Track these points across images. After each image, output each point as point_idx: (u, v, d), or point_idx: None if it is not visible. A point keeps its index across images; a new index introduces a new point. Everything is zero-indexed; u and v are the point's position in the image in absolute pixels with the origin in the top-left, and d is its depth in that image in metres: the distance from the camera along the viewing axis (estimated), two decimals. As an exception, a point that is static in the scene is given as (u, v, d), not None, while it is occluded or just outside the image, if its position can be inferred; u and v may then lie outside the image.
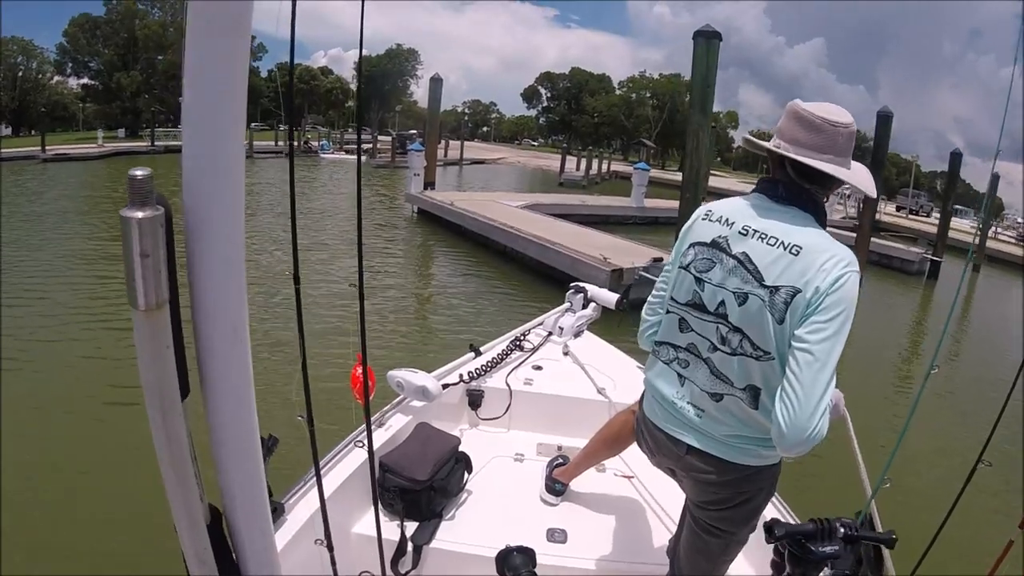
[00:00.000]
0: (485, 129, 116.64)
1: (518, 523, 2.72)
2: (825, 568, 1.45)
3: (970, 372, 11.05)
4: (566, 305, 4.35)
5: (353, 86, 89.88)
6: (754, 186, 1.95)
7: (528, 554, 1.87)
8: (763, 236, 1.76)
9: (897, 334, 13.61)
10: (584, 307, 4.29)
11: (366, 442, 1.94)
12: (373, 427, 2.63)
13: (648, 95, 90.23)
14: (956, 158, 23.88)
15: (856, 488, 2.53)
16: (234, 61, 1.00)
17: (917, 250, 21.52)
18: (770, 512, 2.46)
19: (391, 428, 2.95)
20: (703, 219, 1.95)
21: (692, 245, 1.93)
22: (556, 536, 2.66)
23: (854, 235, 25.59)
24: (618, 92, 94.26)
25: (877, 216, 34.63)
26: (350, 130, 71.21)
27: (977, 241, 18.36)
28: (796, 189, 1.81)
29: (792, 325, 1.68)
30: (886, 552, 2.17)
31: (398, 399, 3.21)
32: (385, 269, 13.24)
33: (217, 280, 1.06)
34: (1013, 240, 36.50)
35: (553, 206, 21.52)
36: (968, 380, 10.38)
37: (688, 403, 1.93)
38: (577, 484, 3.00)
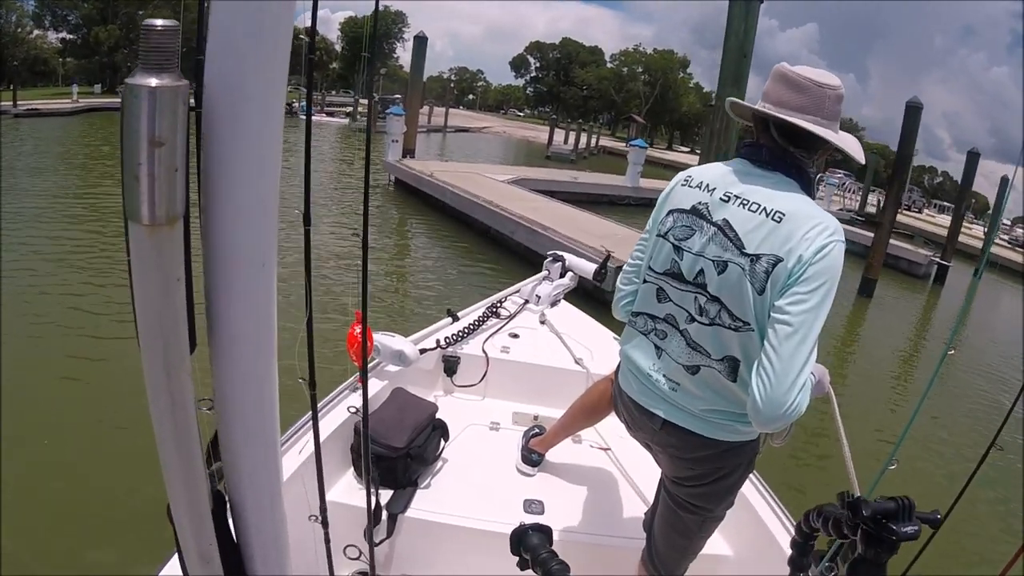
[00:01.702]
0: (471, 97, 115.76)
1: (494, 493, 2.70)
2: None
3: (973, 371, 11.02)
4: (543, 273, 4.38)
5: (338, 47, 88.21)
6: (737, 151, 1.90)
7: (546, 533, 1.66)
8: (744, 202, 1.72)
9: (902, 337, 13.41)
10: (562, 276, 4.34)
11: (357, 408, 2.01)
12: (346, 391, 2.72)
13: (640, 70, 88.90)
14: (974, 158, 22.31)
15: (839, 469, 2.33)
16: None
17: (926, 252, 20.61)
18: (750, 493, 2.51)
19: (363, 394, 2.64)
20: (683, 185, 1.90)
21: (671, 212, 1.88)
22: (533, 507, 2.64)
23: (853, 228, 24.90)
24: (609, 65, 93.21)
25: (872, 209, 34.09)
26: (334, 92, 70.08)
27: (979, 246, 17.71)
28: (780, 153, 1.77)
29: (772, 295, 1.63)
30: None
31: (373, 363, 3.10)
32: (357, 237, 11.73)
33: (246, 193, 0.79)
34: (1007, 243, 35.46)
35: (541, 182, 20.13)
36: (970, 378, 10.54)
37: (663, 376, 1.89)
38: (553, 455, 2.98)
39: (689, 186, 1.87)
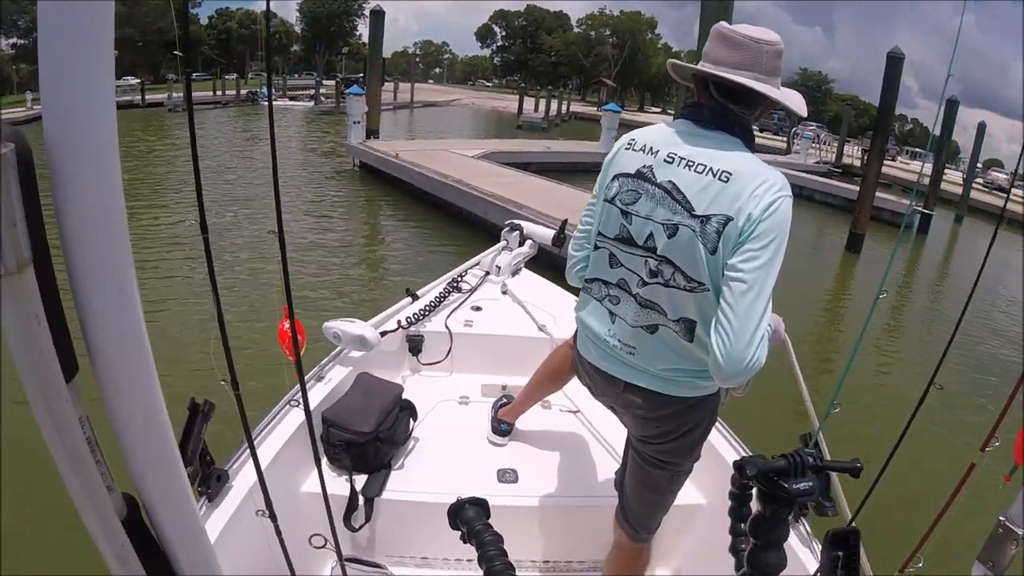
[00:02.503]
0: (438, 71, 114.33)
1: (467, 467, 2.73)
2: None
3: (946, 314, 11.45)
4: (502, 243, 4.38)
5: (298, 28, 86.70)
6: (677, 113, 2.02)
7: (481, 505, 1.69)
8: (690, 163, 1.72)
9: (891, 291, 12.48)
10: (520, 244, 4.33)
11: (298, 401, 2.04)
12: (312, 382, 2.77)
13: (608, 33, 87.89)
14: (952, 106, 21.72)
15: (802, 415, 2.46)
16: None
17: (907, 202, 20.39)
18: (718, 442, 2.58)
19: (331, 381, 2.85)
20: (626, 148, 1.90)
21: (616, 177, 1.88)
22: (507, 476, 2.67)
23: (831, 181, 24.52)
24: (576, 30, 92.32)
25: (848, 160, 33.82)
26: (296, 76, 68.97)
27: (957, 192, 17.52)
28: (722, 112, 1.76)
29: (725, 254, 1.64)
30: (835, 478, 2.13)
31: (336, 351, 3.07)
32: (322, 226, 12.06)
33: (92, 232, 0.85)
34: (982, 187, 35.32)
35: (514, 154, 19.47)
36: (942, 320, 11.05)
37: (619, 340, 1.91)
38: (523, 422, 3.00)
39: (632, 149, 1.87)
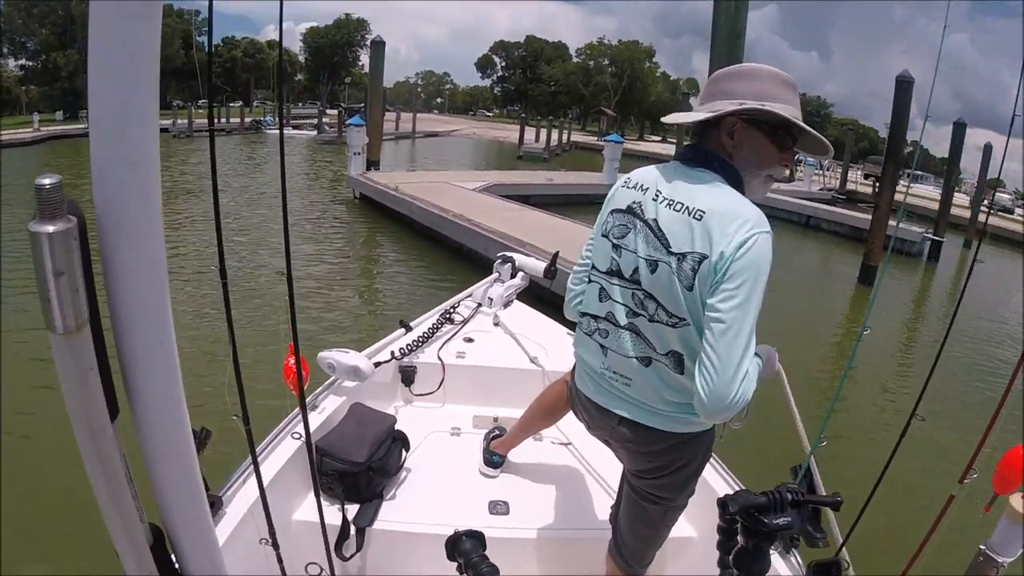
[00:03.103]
0: (439, 100, 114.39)
1: (459, 498, 2.74)
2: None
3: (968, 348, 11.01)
4: (494, 275, 4.40)
5: (302, 58, 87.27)
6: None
7: (478, 538, 1.75)
8: (671, 202, 1.77)
9: (905, 325, 12.95)
10: (512, 276, 4.35)
11: (303, 433, 2.00)
12: (307, 411, 2.44)
13: (606, 62, 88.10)
14: (960, 129, 21.58)
15: (795, 445, 2.48)
16: (143, 38, 0.92)
17: (918, 229, 19.80)
18: (711, 476, 2.58)
19: (325, 411, 2.88)
20: (622, 186, 1.96)
21: (611, 212, 1.94)
22: (498, 508, 2.68)
23: (837, 209, 24.15)
24: (575, 60, 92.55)
25: (852, 187, 33.55)
26: (300, 105, 69.15)
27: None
28: (704, 150, 1.82)
29: (703, 292, 1.67)
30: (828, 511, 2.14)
31: (330, 380, 3.09)
32: (320, 257, 11.89)
33: (138, 292, 0.98)
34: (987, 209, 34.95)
35: (515, 186, 19.19)
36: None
37: (615, 373, 1.93)
38: (515, 454, 3.01)
39: (627, 187, 1.93)
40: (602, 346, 1.96)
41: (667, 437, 1.89)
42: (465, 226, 11.82)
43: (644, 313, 1.81)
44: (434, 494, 2.76)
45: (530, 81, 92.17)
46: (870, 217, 17.14)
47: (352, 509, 2.52)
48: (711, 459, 2.53)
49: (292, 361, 1.88)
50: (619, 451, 2.10)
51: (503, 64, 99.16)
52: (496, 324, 4.11)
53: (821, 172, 33.28)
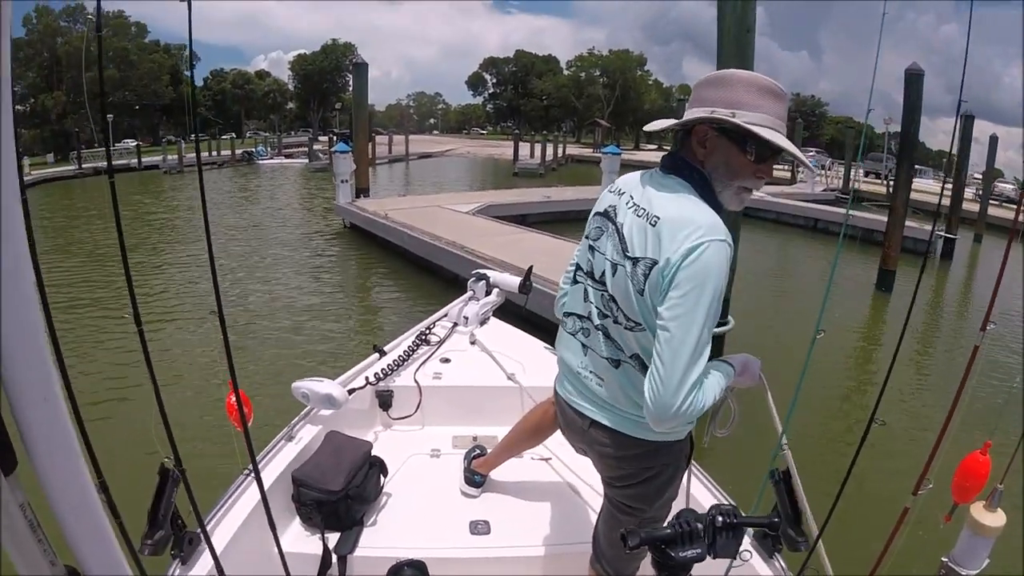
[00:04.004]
0: (432, 121, 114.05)
1: (440, 520, 2.73)
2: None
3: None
4: (469, 293, 4.37)
5: (292, 86, 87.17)
6: None
7: (418, 567, 1.86)
8: (636, 207, 1.81)
9: (925, 330, 12.31)
10: (487, 294, 4.34)
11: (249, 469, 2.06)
12: (282, 441, 2.83)
13: (598, 73, 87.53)
14: (968, 121, 20.80)
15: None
16: None
17: (929, 227, 18.75)
18: (696, 489, 2.57)
19: (301, 440, 2.87)
20: (608, 191, 2.00)
21: (594, 215, 1.99)
22: (479, 528, 2.67)
23: (840, 210, 23.55)
24: (566, 72, 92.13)
25: (856, 185, 32.91)
26: (291, 133, 68.84)
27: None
28: (679, 156, 1.83)
29: (654, 298, 1.70)
30: (807, 511, 2.19)
31: (305, 410, 3.09)
32: (311, 290, 11.70)
33: (12, 352, 0.95)
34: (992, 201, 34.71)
35: (511, 206, 18.54)
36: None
37: (591, 372, 1.97)
38: (496, 472, 3.00)
39: (611, 191, 1.97)
40: (584, 345, 1.99)
41: (635, 443, 1.90)
42: (459, 255, 11.13)
43: (610, 315, 1.86)
44: (415, 518, 2.75)
45: (522, 96, 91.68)
46: (878, 217, 16.58)
47: (332, 538, 2.52)
48: (696, 471, 2.65)
49: (234, 399, 1.90)
50: (591, 455, 2.11)
51: (494, 80, 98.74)
52: (473, 342, 4.08)
53: (824, 172, 32.65)
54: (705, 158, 1.77)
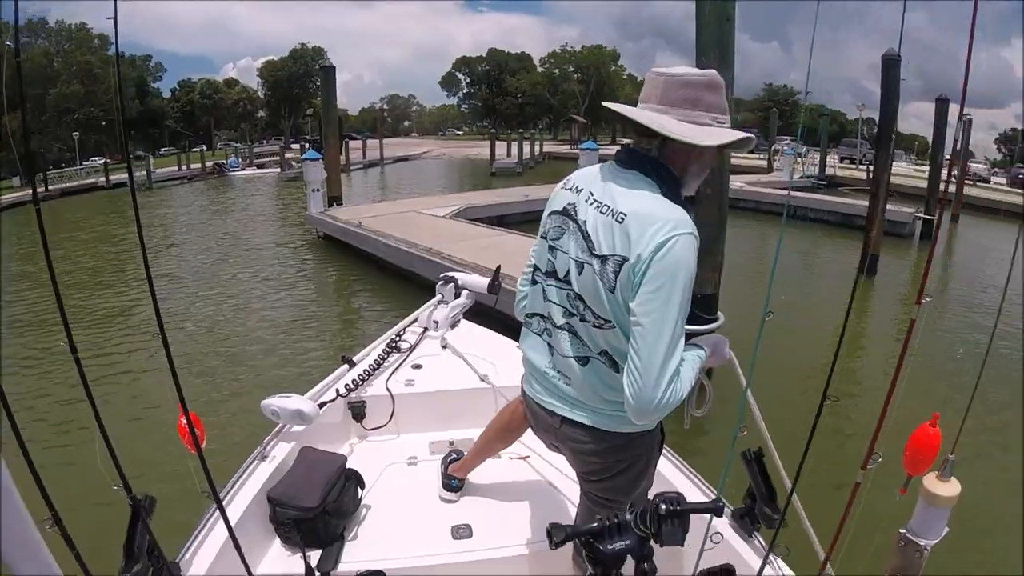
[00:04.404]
0: (407, 123, 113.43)
1: (421, 528, 2.72)
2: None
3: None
4: (438, 297, 4.29)
5: (262, 94, 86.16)
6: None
7: None
8: (599, 204, 1.80)
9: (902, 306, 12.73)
10: (456, 296, 4.28)
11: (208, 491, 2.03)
12: (255, 461, 2.78)
13: (572, 69, 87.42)
14: (943, 104, 20.98)
15: (752, 430, 2.39)
16: None
17: (907, 210, 19.55)
18: (675, 477, 2.66)
19: (275, 459, 2.82)
20: (562, 188, 1.99)
21: (550, 214, 1.98)
22: (461, 532, 2.68)
23: (816, 196, 23.61)
24: (540, 70, 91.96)
25: (831, 171, 32.95)
26: (263, 143, 67.94)
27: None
28: (636, 150, 1.84)
29: (625, 295, 1.71)
30: (785, 481, 2.27)
31: (277, 428, 3.06)
32: (285, 305, 11.36)
33: None
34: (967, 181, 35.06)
35: (489, 207, 18.23)
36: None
37: (558, 372, 1.98)
38: (474, 475, 2.99)
39: (565, 188, 1.97)
40: (549, 345, 2.00)
41: (608, 437, 1.92)
42: (437, 262, 10.73)
43: (576, 313, 1.86)
44: (395, 528, 2.72)
45: (496, 95, 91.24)
46: (857, 202, 16.58)
47: (314, 556, 2.49)
48: (674, 458, 2.76)
49: (185, 420, 1.87)
50: (565, 452, 2.12)
51: (468, 80, 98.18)
52: (444, 346, 4.10)
53: (800, 160, 32.59)
54: (685, 162, 1.82)
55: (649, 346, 1.64)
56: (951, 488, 1.71)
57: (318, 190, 16.54)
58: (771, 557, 2.16)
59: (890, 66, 13.12)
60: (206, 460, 1.85)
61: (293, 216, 21.83)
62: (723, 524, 2.43)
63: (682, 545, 1.45)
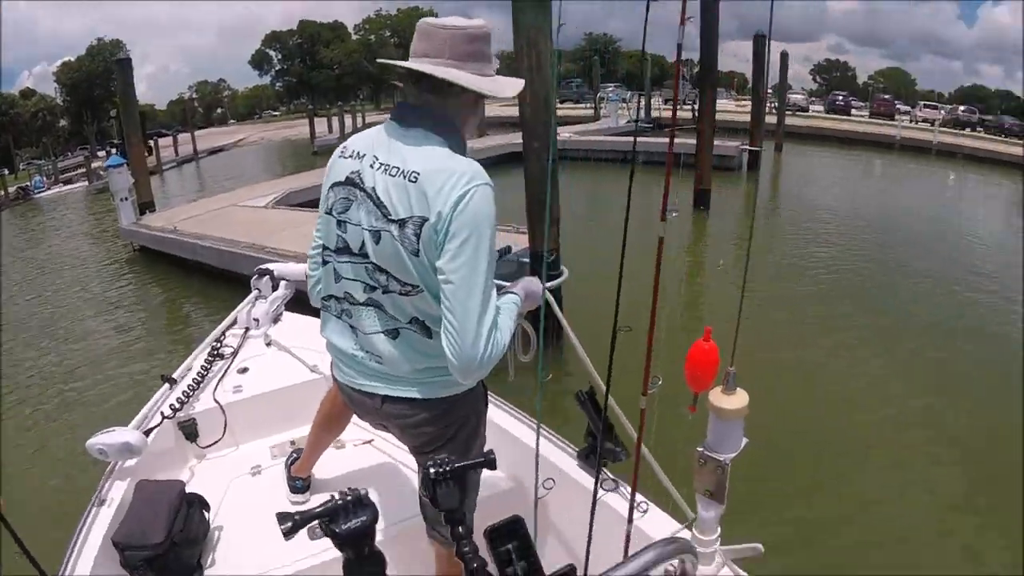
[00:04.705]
0: (220, 111, 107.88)
1: (276, 537, 2.11)
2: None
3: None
4: (254, 293, 4.09)
5: (61, 100, 78.98)
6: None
7: None
8: (386, 167, 1.75)
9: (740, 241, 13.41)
10: (275, 289, 4.13)
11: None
12: (93, 508, 2.61)
13: (388, 34, 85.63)
14: (760, 40, 21.88)
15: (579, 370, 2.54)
16: None
17: (733, 143, 20.86)
18: (502, 420, 2.78)
19: (113, 502, 2.65)
20: (339, 156, 1.91)
21: (332, 187, 1.89)
22: (317, 532, 2.13)
23: (645, 139, 24.40)
24: (355, 38, 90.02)
25: (656, 114, 33.96)
26: (69, 154, 61.94)
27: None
28: (421, 107, 1.79)
29: (430, 256, 1.68)
30: (624, 426, 2.33)
31: (109, 467, 2.86)
32: (104, 332, 10.39)
33: None
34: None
35: (313, 189, 16.98)
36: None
37: (366, 351, 1.92)
38: (320, 470, 2.94)
39: (343, 156, 1.88)
40: (352, 327, 1.94)
41: (432, 404, 1.90)
42: (260, 257, 9.95)
43: (379, 286, 1.80)
44: (250, 543, 2.61)
45: (312, 69, 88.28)
46: (685, 141, 17.09)
47: None
48: (496, 401, 2.76)
49: None
50: (393, 431, 2.10)
51: (280, 56, 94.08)
52: (269, 344, 3.89)
53: (626, 105, 33.30)
54: (467, 114, 1.83)
55: (462, 302, 1.63)
56: (737, 400, 1.70)
57: (126, 199, 14.98)
58: (622, 489, 2.34)
59: (707, 7, 13.90)
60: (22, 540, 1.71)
61: (107, 231, 19.81)
62: (571, 465, 2.58)
63: (459, 506, 1.45)
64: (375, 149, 1.79)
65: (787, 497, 5.29)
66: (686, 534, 1.93)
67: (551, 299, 2.28)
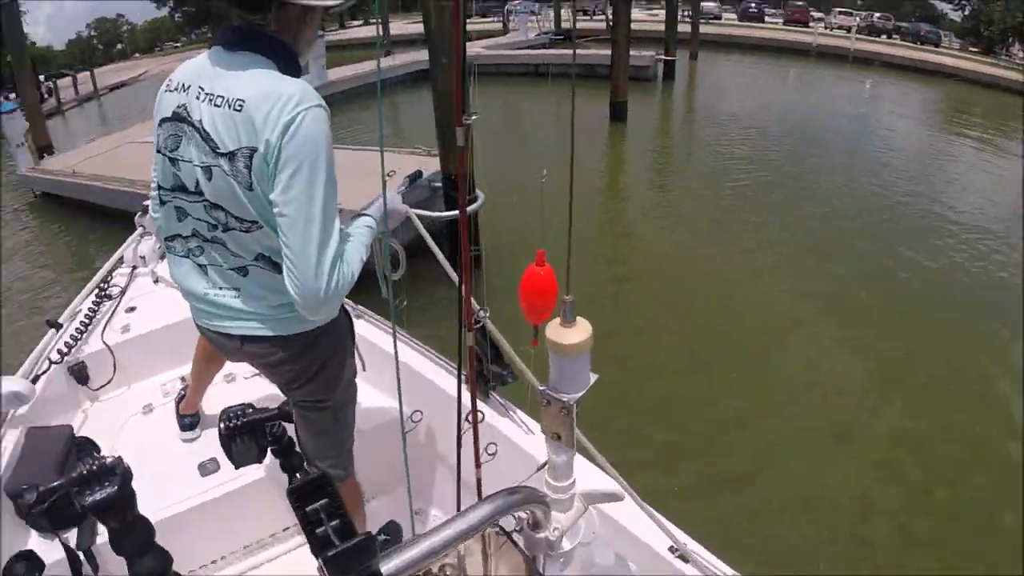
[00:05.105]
0: (120, 46, 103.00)
1: (168, 475, 2.66)
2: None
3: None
4: (140, 230, 4.06)
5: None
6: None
7: (32, 559, 1.62)
8: (211, 97, 1.61)
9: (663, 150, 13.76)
10: None
11: None
12: None
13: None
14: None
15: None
16: None
17: (648, 53, 20.55)
18: (404, 354, 2.57)
19: (6, 451, 2.60)
20: (165, 90, 1.76)
21: (161, 123, 1.74)
22: (208, 467, 2.67)
23: (556, 51, 24.12)
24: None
25: (567, 25, 33.61)
26: None
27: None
28: (244, 29, 1.65)
29: (264, 188, 1.58)
30: (505, 347, 2.28)
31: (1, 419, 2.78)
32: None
33: None
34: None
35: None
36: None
37: (220, 290, 1.83)
38: (210, 405, 2.92)
39: (169, 90, 1.74)
40: (201, 266, 1.84)
41: (293, 340, 1.83)
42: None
43: (219, 224, 1.70)
44: (143, 482, 2.21)
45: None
46: (599, 52, 16.99)
47: (71, 535, 2.20)
48: (403, 337, 2.67)
49: None
50: (260, 370, 2.04)
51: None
52: (156, 281, 3.85)
53: (537, 19, 32.79)
54: (299, 29, 1.71)
55: (300, 235, 1.54)
56: (578, 333, 1.39)
57: (22, 144, 14.29)
58: (509, 410, 2.37)
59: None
60: None
61: (6, 181, 19.03)
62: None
63: (260, 462, 1.38)
64: (200, 79, 1.66)
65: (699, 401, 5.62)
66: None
67: (413, 216, 2.27)
